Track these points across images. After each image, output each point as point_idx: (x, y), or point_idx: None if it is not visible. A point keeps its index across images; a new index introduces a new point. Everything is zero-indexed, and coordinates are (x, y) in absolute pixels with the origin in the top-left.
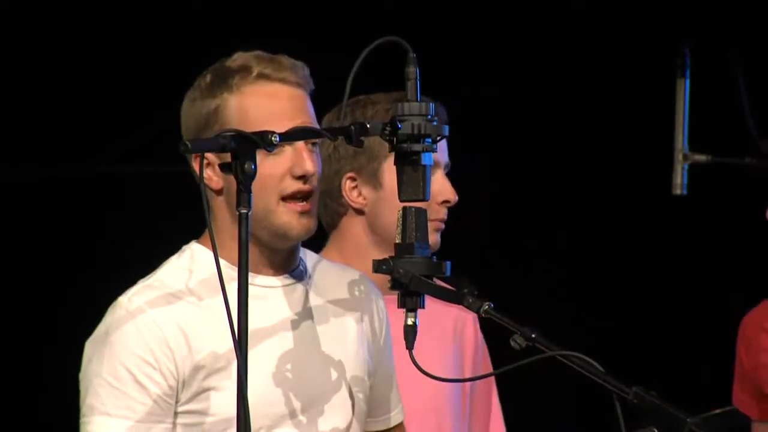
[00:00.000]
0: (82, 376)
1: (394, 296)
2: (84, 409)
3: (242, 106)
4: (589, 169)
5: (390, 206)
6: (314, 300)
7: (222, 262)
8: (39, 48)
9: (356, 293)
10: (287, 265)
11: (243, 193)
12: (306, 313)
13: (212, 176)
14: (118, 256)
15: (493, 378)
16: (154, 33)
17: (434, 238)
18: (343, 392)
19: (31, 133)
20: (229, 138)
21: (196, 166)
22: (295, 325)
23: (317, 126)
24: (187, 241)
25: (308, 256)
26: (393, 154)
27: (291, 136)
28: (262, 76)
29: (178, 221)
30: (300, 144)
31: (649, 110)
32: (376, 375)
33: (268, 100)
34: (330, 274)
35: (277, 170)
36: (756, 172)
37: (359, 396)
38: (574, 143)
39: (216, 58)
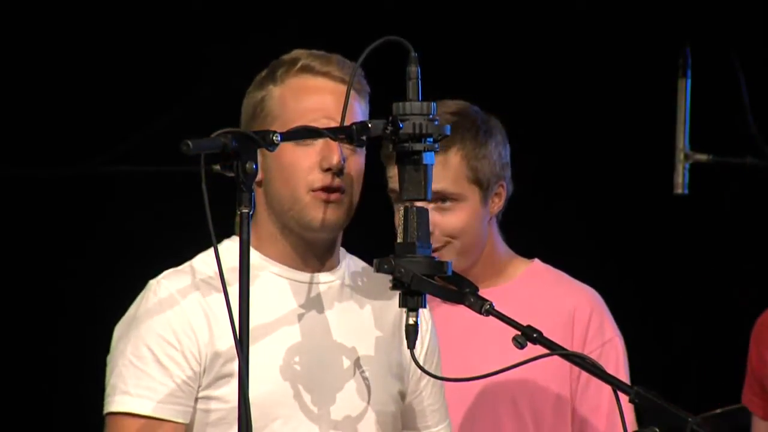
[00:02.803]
0: (109, 357)
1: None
2: (108, 388)
3: (283, 97)
4: (590, 169)
5: None
6: (346, 301)
7: (256, 254)
8: (38, 49)
9: (396, 299)
10: (323, 262)
11: (244, 193)
12: (334, 311)
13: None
14: (116, 257)
15: (613, 369)
16: (153, 34)
17: None
18: (358, 383)
19: (31, 133)
20: (230, 137)
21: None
22: (318, 320)
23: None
24: (190, 245)
25: (354, 262)
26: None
27: (291, 135)
28: (305, 69)
29: (178, 222)
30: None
31: (650, 110)
32: (418, 387)
33: (307, 93)
34: (372, 280)
35: (306, 162)
36: (757, 171)
37: (384, 387)
38: (576, 143)
39: (214, 60)
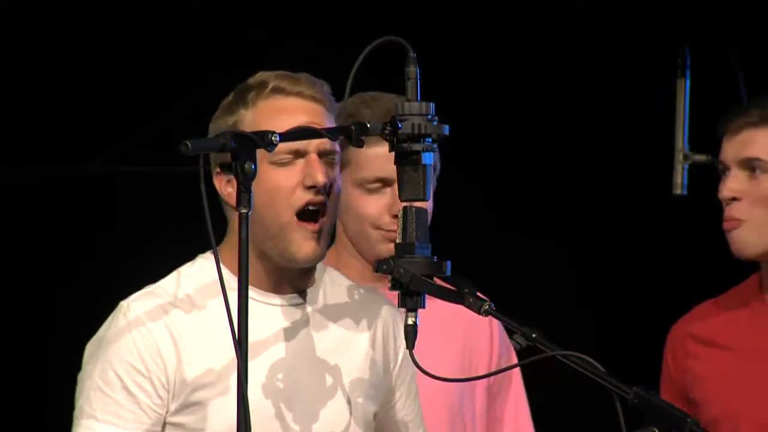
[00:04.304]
0: (79, 376)
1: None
2: (76, 410)
3: (256, 120)
4: (589, 169)
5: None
6: (321, 320)
7: (230, 275)
8: (38, 49)
9: (371, 316)
10: (299, 284)
11: (243, 193)
12: (309, 332)
13: (232, 192)
14: (116, 257)
15: (516, 381)
16: (153, 34)
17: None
18: (340, 402)
19: (31, 133)
20: (229, 138)
21: (217, 183)
22: (292, 341)
23: (336, 145)
24: (189, 246)
25: (332, 278)
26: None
27: (291, 135)
28: (277, 90)
29: (178, 222)
30: (312, 155)
31: (649, 110)
32: (394, 399)
33: (281, 113)
34: (347, 296)
35: (289, 182)
36: None
37: (362, 407)
38: (575, 143)
39: (215, 60)
